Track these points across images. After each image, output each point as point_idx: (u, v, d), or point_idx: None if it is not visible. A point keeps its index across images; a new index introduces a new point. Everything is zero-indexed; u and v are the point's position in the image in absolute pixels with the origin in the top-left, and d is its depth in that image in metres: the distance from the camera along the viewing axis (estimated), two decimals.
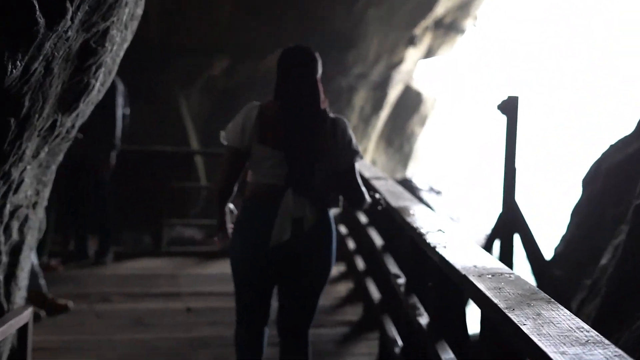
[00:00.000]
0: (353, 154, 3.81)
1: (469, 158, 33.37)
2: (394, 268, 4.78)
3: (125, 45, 4.15)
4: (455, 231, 3.47)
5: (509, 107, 6.95)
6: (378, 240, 5.55)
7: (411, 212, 3.91)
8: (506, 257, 6.97)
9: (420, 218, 3.71)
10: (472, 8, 19.08)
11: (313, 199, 3.72)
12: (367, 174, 6.02)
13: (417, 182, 17.92)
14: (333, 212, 4.02)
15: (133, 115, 15.23)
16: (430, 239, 3.35)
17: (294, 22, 14.81)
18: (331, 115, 3.79)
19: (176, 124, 15.28)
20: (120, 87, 7.60)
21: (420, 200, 17.04)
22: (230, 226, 3.96)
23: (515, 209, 7.04)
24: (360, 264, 6.68)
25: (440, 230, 3.46)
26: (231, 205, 3.96)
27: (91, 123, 5.90)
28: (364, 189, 3.93)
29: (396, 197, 4.60)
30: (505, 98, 7.00)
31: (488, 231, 17.90)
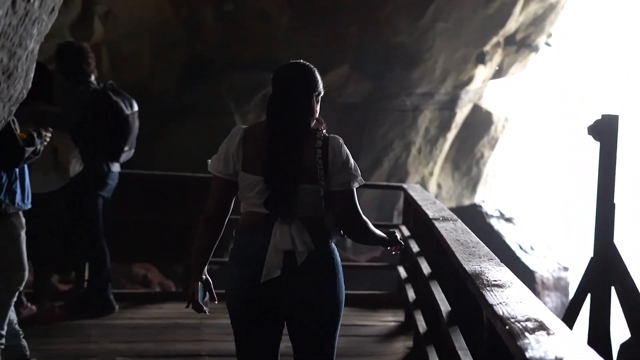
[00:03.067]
0: (349, 177, 3.47)
1: (543, 184, 31.93)
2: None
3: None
4: (563, 329, 2.21)
5: (605, 129, 5.74)
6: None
7: (493, 280, 2.74)
8: (601, 315, 5.69)
9: (509, 297, 2.49)
10: (546, 24, 18.02)
11: (306, 226, 3.41)
12: (429, 214, 4.92)
13: (487, 208, 16.75)
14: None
15: (184, 133, 14.72)
16: (527, 341, 2.11)
17: (356, 36, 13.91)
18: (324, 134, 3.51)
19: None
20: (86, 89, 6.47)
21: (491, 227, 16.06)
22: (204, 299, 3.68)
23: (613, 255, 5.78)
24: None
25: (540, 324, 2.19)
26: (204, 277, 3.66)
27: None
28: (365, 218, 3.53)
29: (469, 252, 3.46)
30: (599, 117, 5.80)
31: (563, 263, 17.00)
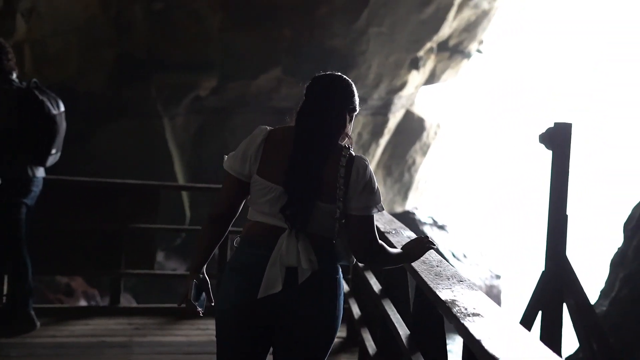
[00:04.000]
0: (369, 202, 3.24)
1: (474, 191, 32.10)
2: None
3: None
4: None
5: (558, 138, 5.54)
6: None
7: (472, 309, 2.49)
8: (552, 332, 5.47)
9: (495, 330, 2.26)
10: (479, 30, 18.06)
11: (314, 245, 3.21)
12: (379, 226, 4.65)
13: (419, 215, 16.63)
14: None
15: (111, 136, 14.24)
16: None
17: (290, 38, 13.63)
18: (351, 152, 3.28)
19: (159, 147, 14.08)
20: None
21: (424, 235, 15.84)
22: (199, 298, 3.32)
23: (566, 268, 5.58)
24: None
25: None
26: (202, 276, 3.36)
27: None
28: (382, 243, 3.31)
29: (435, 273, 3.20)
30: (551, 126, 5.60)
31: (495, 271, 17.01)
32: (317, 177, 3.21)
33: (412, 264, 3.50)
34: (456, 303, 2.61)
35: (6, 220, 5.93)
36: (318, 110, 3.30)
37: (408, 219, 16.59)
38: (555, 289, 5.54)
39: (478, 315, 2.44)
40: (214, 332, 3.37)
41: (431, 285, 2.94)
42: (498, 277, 16.55)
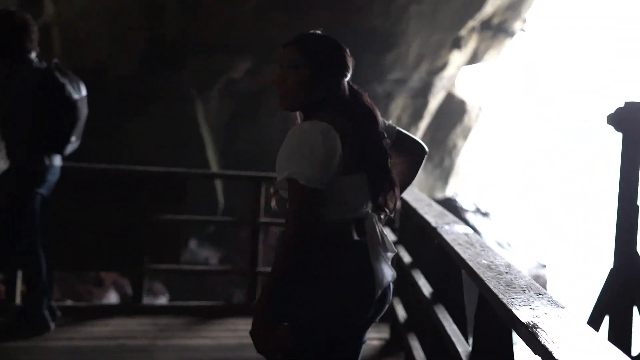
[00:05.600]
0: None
1: (518, 177, 31.32)
2: None
3: None
4: None
5: (628, 119, 4.94)
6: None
7: (565, 338, 1.95)
8: (621, 336, 4.88)
9: None
10: (522, 8, 17.40)
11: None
12: (430, 220, 4.12)
13: (462, 202, 16.04)
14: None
15: (143, 122, 13.83)
16: None
17: (326, 17, 13.08)
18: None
19: (191, 133, 13.69)
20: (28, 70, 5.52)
21: (467, 222, 15.34)
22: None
23: (637, 266, 4.99)
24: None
25: None
26: None
27: None
28: None
29: (505, 283, 2.65)
30: (622, 105, 5.00)
31: (540, 260, 16.38)
32: (386, 150, 2.94)
33: (475, 268, 2.97)
34: (541, 328, 2.05)
35: (19, 212, 5.42)
36: (350, 79, 2.93)
37: (450, 206, 15.99)
38: (625, 288, 4.96)
39: (575, 348, 1.88)
40: (245, 334, 3.06)
41: (504, 300, 2.38)
42: (544, 266, 15.93)
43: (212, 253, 13.62)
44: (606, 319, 5.08)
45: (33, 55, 5.51)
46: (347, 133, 2.79)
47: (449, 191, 18.37)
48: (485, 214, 16.38)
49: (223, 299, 11.10)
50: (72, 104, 5.51)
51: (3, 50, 5.45)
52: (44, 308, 5.49)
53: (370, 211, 2.90)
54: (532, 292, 2.49)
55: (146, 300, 6.81)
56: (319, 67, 2.85)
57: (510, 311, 2.26)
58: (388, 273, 2.86)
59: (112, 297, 10.41)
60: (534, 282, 2.66)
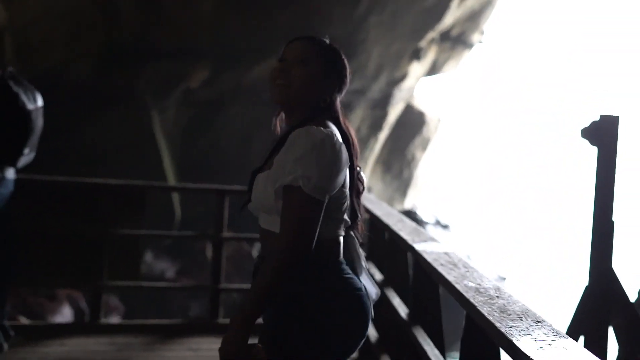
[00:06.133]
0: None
1: (479, 187, 31.37)
2: None
3: None
4: None
5: (603, 132, 4.83)
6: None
7: None
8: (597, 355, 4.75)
9: None
10: (482, 20, 17.44)
11: None
12: (405, 237, 3.94)
13: (421, 214, 15.94)
14: None
15: (97, 129, 13.48)
16: None
17: (285, 24, 12.91)
18: None
19: (148, 141, 13.38)
20: None
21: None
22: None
23: (612, 282, 4.86)
24: None
25: None
26: None
27: None
28: None
29: (500, 309, 2.46)
30: (597, 119, 4.89)
31: (500, 273, 16.31)
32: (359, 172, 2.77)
33: (463, 292, 2.78)
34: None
35: None
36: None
37: (410, 218, 15.92)
38: (601, 306, 4.83)
39: None
40: (207, 354, 2.75)
41: (502, 330, 2.20)
42: (503, 279, 15.89)
43: (169, 265, 13.32)
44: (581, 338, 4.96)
45: None
46: (346, 143, 2.59)
47: (408, 203, 18.27)
48: (445, 226, 16.30)
49: (181, 313, 10.85)
50: (26, 115, 5.22)
51: None
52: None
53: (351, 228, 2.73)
54: (529, 320, 2.31)
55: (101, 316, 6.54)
56: (328, 70, 2.68)
57: (512, 342, 2.08)
58: (373, 291, 2.69)
59: (66, 312, 10.08)
60: (528, 308, 2.49)
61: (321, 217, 2.49)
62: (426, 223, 15.63)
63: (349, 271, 2.64)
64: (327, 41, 2.76)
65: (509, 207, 29.77)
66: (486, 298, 2.64)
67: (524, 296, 17.87)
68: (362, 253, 2.74)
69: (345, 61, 2.74)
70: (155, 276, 12.32)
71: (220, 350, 2.42)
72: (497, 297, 2.65)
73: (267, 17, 12.86)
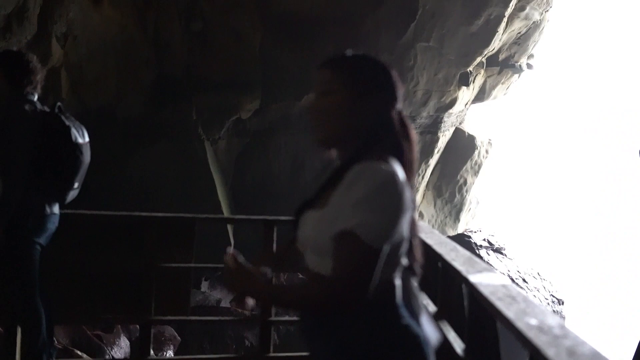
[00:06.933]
0: None
1: (532, 212, 30.99)
2: None
3: None
4: None
5: None
6: None
7: None
8: None
9: None
10: (529, 44, 17.33)
11: None
12: (468, 275, 3.83)
13: (474, 238, 15.79)
14: None
15: (149, 162, 13.66)
16: None
17: (332, 52, 12.97)
18: None
19: (200, 171, 13.54)
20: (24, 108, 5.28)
21: (481, 258, 14.96)
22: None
23: None
24: None
25: None
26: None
27: None
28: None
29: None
30: None
31: (557, 295, 16.04)
32: None
33: (524, 330, 2.49)
34: None
35: (16, 263, 5.19)
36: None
37: (463, 242, 15.74)
38: None
39: None
40: None
41: None
42: (561, 302, 15.62)
43: (225, 295, 13.40)
44: None
45: (35, 97, 5.33)
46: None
47: (461, 228, 18.13)
48: (498, 250, 16.09)
49: (236, 343, 10.88)
50: (78, 148, 5.33)
51: (5, 90, 5.28)
52: None
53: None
54: None
55: (153, 349, 6.59)
56: (359, 88, 2.33)
57: None
58: (433, 336, 2.43)
59: (123, 344, 10.21)
60: (598, 351, 2.38)
61: (379, 266, 2.21)
62: (480, 247, 15.46)
63: (407, 316, 2.36)
64: (350, 54, 2.42)
65: (564, 229, 29.44)
66: (550, 338, 2.42)
67: (584, 320, 17.60)
68: (419, 293, 2.49)
69: (382, 66, 2.39)
70: (211, 306, 12.40)
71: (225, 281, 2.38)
72: (563, 336, 2.50)
73: (314, 47, 12.96)
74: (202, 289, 12.84)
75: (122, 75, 12.86)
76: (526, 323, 2.59)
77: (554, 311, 14.78)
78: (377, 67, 2.40)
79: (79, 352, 8.97)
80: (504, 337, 3.59)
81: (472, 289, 3.41)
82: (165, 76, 13.09)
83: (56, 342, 6.86)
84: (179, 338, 11.20)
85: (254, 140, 14.38)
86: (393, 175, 2.20)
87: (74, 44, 12.31)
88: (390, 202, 2.21)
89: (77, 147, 5.29)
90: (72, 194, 5.35)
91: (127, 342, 10.27)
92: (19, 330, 5.51)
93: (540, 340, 2.38)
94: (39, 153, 5.18)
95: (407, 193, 2.23)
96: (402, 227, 2.25)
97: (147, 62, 12.94)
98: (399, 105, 2.37)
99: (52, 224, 5.27)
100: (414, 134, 2.37)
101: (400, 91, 2.39)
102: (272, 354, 6.06)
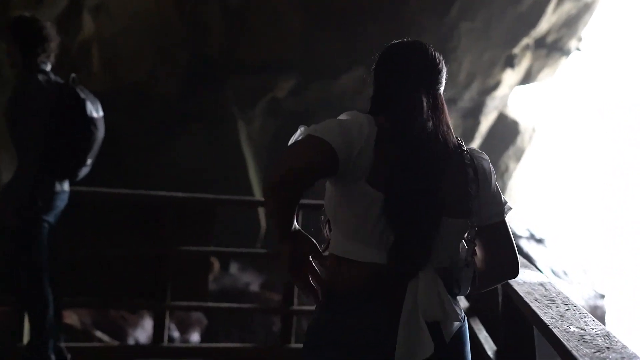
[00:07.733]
0: (502, 203, 2.58)
1: (575, 201, 30.43)
2: None
3: None
4: None
5: None
6: None
7: None
8: None
9: None
10: (579, 25, 16.83)
11: (448, 283, 2.39)
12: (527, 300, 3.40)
13: (514, 227, 15.42)
14: None
15: (183, 141, 13.42)
16: None
17: (375, 33, 12.63)
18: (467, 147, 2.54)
19: (234, 153, 13.30)
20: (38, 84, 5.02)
21: (520, 249, 14.64)
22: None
23: None
24: None
25: None
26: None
27: None
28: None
29: None
30: None
31: (599, 290, 15.64)
32: (441, 188, 2.41)
33: (563, 339, 2.27)
34: None
35: (24, 243, 4.91)
36: (423, 95, 2.53)
37: None
38: None
39: None
40: None
41: None
42: (602, 296, 15.20)
43: (254, 278, 13.15)
44: None
45: (48, 66, 5.05)
46: (386, 138, 2.45)
47: None
48: (539, 241, 15.73)
49: (264, 329, 10.62)
50: (93, 123, 5.04)
51: (18, 59, 5.02)
52: (50, 351, 4.97)
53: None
54: None
55: (179, 332, 6.29)
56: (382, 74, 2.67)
57: None
58: (427, 347, 2.36)
59: (147, 326, 9.99)
60: None
61: (322, 162, 2.45)
62: (520, 237, 15.10)
63: (344, 307, 2.44)
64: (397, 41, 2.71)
65: (607, 219, 28.90)
66: (594, 349, 2.13)
67: (626, 315, 17.14)
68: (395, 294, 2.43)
69: (398, 53, 2.65)
70: (240, 289, 12.16)
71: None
72: (607, 347, 2.14)
73: (355, 28, 12.62)
74: (232, 271, 12.58)
75: (156, 53, 12.64)
76: (565, 331, 2.31)
77: (594, 306, 14.38)
78: (407, 50, 2.68)
79: (100, 334, 8.77)
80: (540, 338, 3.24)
81: (507, 287, 3.06)
82: (202, 56, 12.85)
83: (78, 322, 6.64)
84: (205, 321, 10.94)
85: (289, 120, 14.07)
86: (355, 117, 2.48)
87: (107, 18, 12.07)
88: (341, 123, 2.44)
89: (92, 121, 5.03)
90: (84, 171, 5.09)
91: (152, 324, 10.05)
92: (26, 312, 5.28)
93: (580, 353, 2.09)
94: (52, 126, 4.92)
95: (360, 130, 2.41)
96: (350, 153, 2.35)
97: (183, 41, 12.69)
98: (440, 88, 2.63)
99: (62, 202, 5.03)
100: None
101: (430, 73, 2.62)
102: (293, 345, 5.71)
